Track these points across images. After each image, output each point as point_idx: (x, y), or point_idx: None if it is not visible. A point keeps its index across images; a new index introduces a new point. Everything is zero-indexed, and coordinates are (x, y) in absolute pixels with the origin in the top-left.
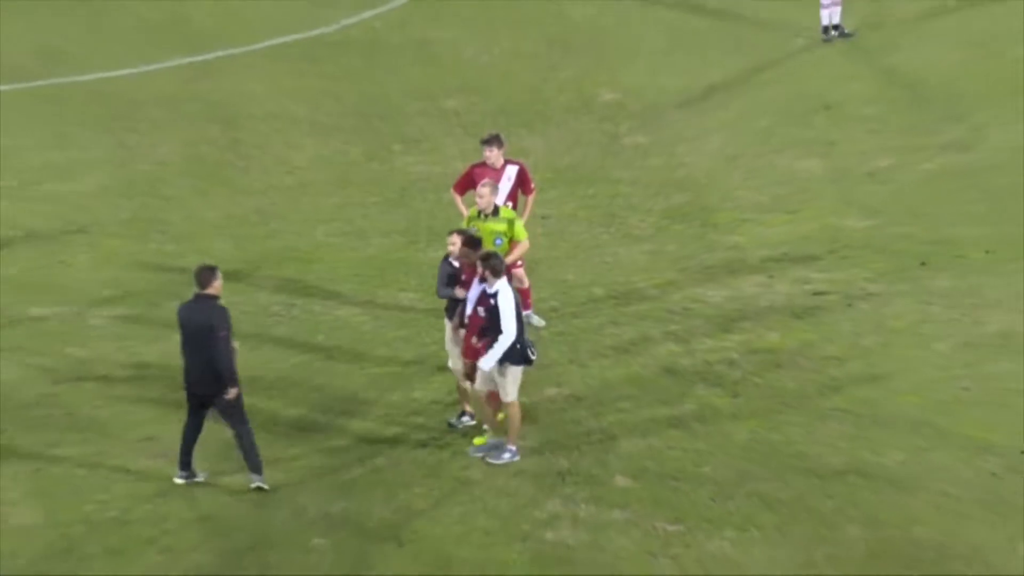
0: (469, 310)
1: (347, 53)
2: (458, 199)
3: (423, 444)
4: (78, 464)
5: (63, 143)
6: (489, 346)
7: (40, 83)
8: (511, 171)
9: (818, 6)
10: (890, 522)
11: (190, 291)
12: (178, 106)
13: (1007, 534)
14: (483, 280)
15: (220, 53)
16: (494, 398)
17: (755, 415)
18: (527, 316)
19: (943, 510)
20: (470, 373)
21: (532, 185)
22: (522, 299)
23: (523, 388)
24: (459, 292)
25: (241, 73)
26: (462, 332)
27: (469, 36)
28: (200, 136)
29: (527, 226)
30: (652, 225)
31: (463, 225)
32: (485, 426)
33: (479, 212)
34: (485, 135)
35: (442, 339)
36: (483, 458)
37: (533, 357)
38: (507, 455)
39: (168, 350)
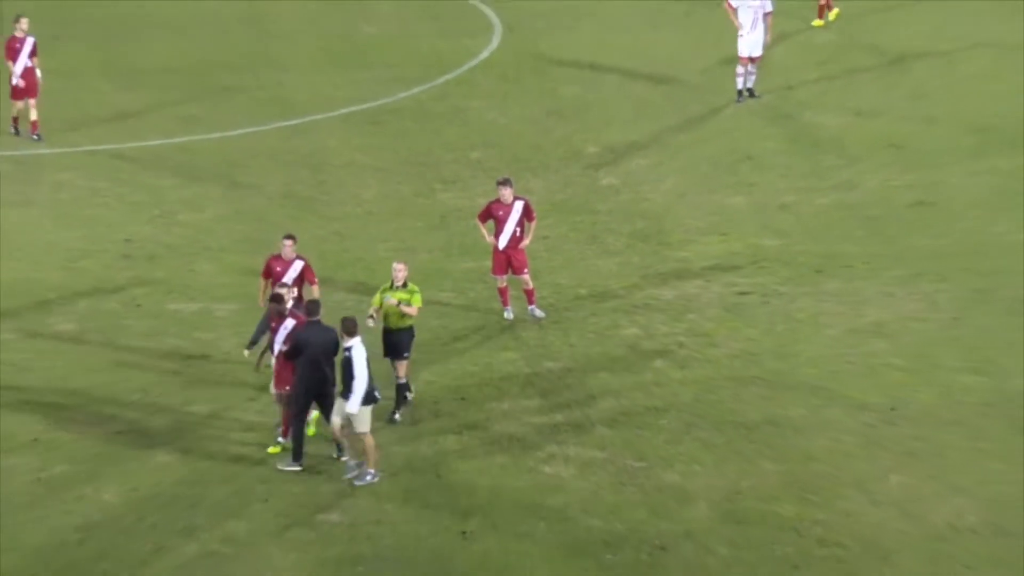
0: (275, 350)
1: (401, 118)
2: (481, 226)
3: (460, 399)
4: (205, 416)
5: (193, 184)
6: (345, 388)
7: (178, 140)
8: (518, 205)
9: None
10: (795, 460)
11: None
12: (278, 157)
13: (881, 468)
14: (346, 335)
15: (308, 118)
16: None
17: (697, 382)
18: (531, 310)
19: (834, 451)
20: (285, 402)
21: (534, 215)
22: (527, 297)
23: (528, 362)
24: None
25: (324, 133)
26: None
27: (490, 106)
28: (294, 178)
29: (532, 244)
30: (622, 244)
31: (381, 292)
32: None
33: (392, 283)
34: (500, 178)
35: (469, 326)
36: (350, 480)
37: (379, 398)
38: (368, 477)
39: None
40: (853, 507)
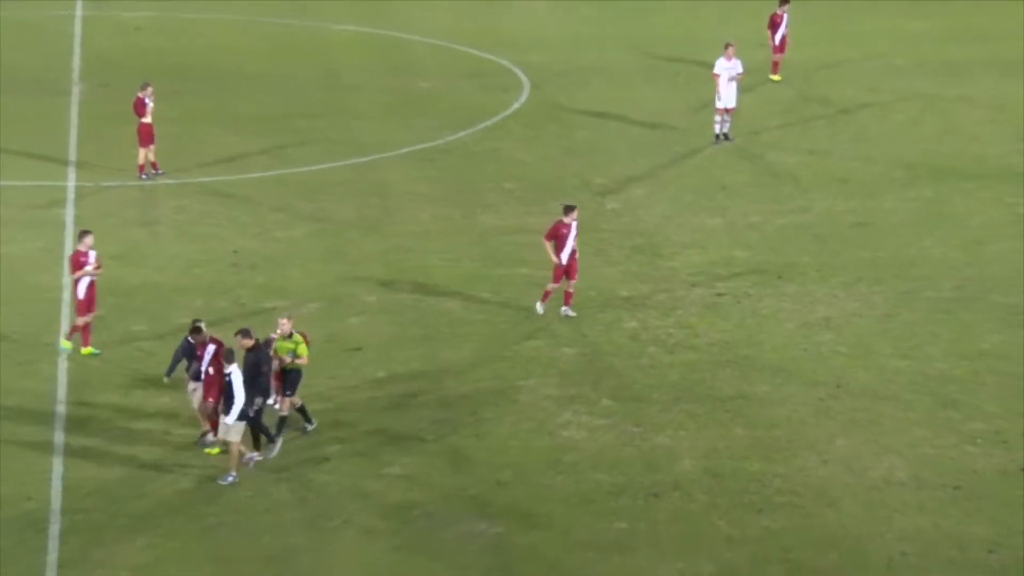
0: (203, 371)
1: (448, 157)
2: (548, 245)
3: (495, 377)
4: None
5: (286, 207)
6: (224, 404)
7: (273, 173)
8: (575, 225)
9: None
10: (760, 426)
11: (363, 292)
12: (351, 187)
13: (829, 433)
14: (225, 362)
15: (375, 157)
16: (214, 426)
17: (683, 364)
18: (564, 311)
19: (791, 420)
20: (212, 412)
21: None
22: (566, 298)
23: (549, 348)
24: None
25: (388, 168)
26: (197, 384)
27: (519, 147)
28: (364, 204)
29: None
30: (623, 255)
31: (279, 342)
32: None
33: (280, 334)
34: (567, 205)
35: (503, 319)
36: (217, 480)
37: (250, 415)
38: (230, 478)
39: (351, 325)
40: (806, 464)
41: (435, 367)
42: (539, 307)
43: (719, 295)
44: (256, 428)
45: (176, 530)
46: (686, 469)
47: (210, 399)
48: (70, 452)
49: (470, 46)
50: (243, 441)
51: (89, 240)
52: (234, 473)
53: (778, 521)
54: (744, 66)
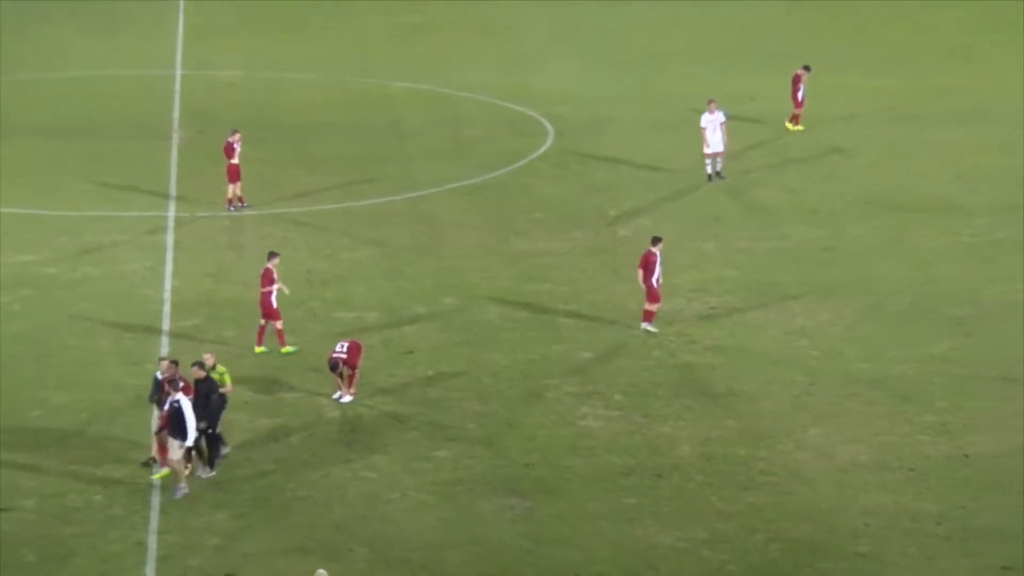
0: (167, 406)
1: (488, 192)
2: (641, 273)
3: (524, 377)
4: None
5: (352, 234)
6: (175, 429)
7: (342, 205)
8: (657, 253)
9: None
10: (750, 418)
11: (416, 304)
12: (407, 217)
13: (804, 424)
14: (170, 393)
15: (427, 191)
16: (164, 452)
17: (685, 365)
18: (646, 327)
19: (777, 413)
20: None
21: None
22: (645, 316)
23: (570, 352)
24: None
25: (438, 201)
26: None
27: (546, 184)
28: (418, 231)
29: (579, 274)
30: (633, 274)
31: (217, 370)
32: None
33: (208, 367)
34: (656, 237)
35: (531, 327)
36: (174, 495)
37: (192, 435)
38: (181, 490)
39: (405, 332)
40: (785, 449)
41: (475, 368)
42: (649, 327)
43: (712, 308)
44: (199, 449)
45: (258, 503)
46: (685, 453)
47: (166, 430)
48: None
49: (507, 101)
50: (186, 458)
51: (276, 260)
52: (183, 484)
53: (761, 497)
54: (727, 115)
